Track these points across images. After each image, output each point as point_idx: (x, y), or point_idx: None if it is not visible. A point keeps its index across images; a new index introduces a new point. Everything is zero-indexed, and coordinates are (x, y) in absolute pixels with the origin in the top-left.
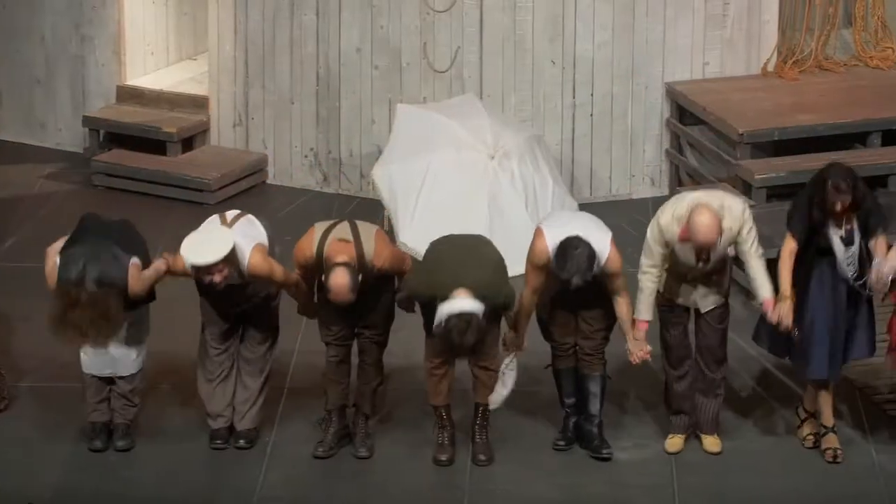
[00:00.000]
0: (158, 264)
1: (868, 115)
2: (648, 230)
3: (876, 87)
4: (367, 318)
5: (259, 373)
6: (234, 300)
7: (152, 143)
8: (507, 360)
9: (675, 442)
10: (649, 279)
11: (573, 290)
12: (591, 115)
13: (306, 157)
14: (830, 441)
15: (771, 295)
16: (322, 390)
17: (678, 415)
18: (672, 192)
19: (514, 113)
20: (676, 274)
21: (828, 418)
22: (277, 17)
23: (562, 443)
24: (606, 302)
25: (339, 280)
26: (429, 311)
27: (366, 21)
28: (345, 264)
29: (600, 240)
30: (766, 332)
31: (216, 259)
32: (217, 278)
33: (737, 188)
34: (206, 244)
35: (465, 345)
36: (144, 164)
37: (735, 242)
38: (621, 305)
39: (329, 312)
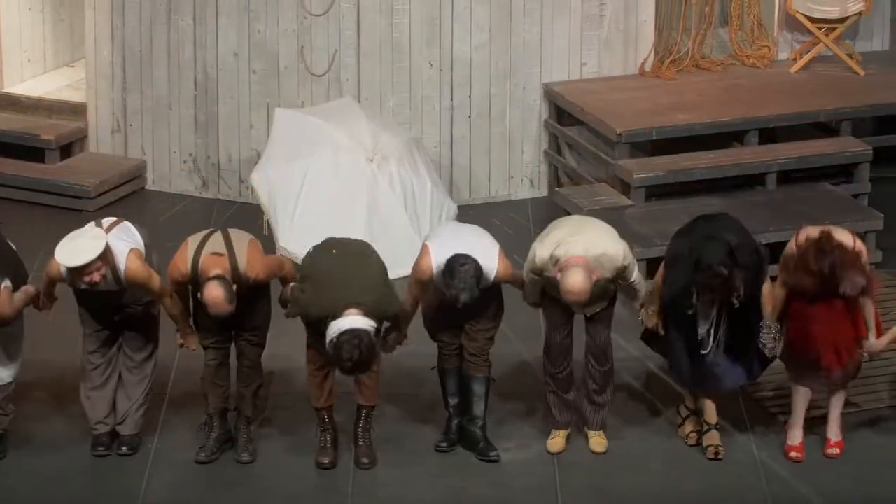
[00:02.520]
0: (28, 288)
1: (745, 113)
2: (530, 252)
3: (753, 86)
4: (244, 322)
5: (141, 380)
6: (113, 308)
7: (30, 151)
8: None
9: (556, 442)
10: (531, 280)
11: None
12: (470, 116)
13: (185, 162)
14: (712, 438)
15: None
16: (203, 395)
17: (557, 411)
18: (551, 193)
19: (392, 115)
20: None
21: (711, 415)
22: (154, 23)
23: (444, 444)
24: (492, 305)
25: (215, 293)
26: (315, 326)
27: (243, 25)
28: (219, 277)
29: (487, 254)
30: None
31: (90, 259)
32: (95, 278)
33: (615, 188)
34: (79, 247)
35: (354, 362)
36: (22, 171)
37: (616, 280)
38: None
39: (206, 317)
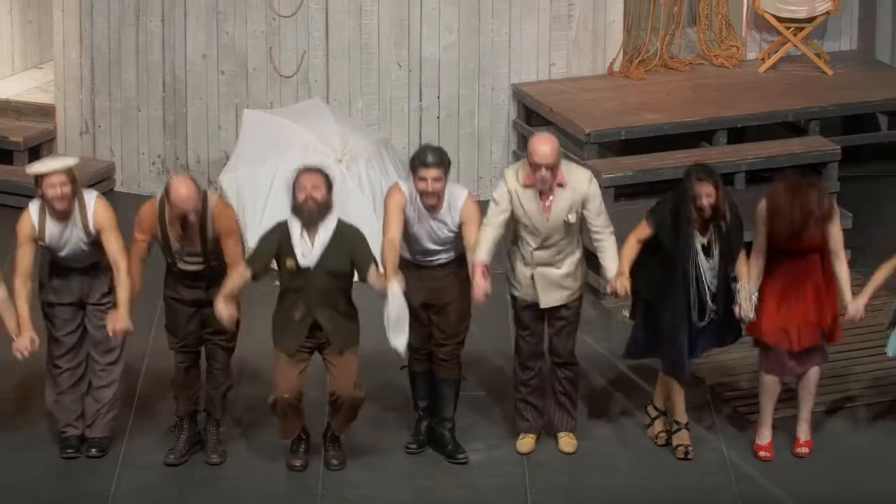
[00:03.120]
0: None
1: (714, 113)
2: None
3: (721, 86)
4: (213, 324)
5: (109, 384)
6: (82, 274)
7: None
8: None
9: (526, 442)
10: (490, 228)
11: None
12: (438, 117)
13: (154, 163)
14: (682, 438)
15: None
16: (173, 397)
17: (527, 417)
18: None
19: (361, 116)
20: (524, 258)
21: (681, 415)
22: (123, 24)
23: (414, 446)
24: (459, 309)
25: (182, 187)
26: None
27: (211, 27)
28: (187, 178)
29: (458, 190)
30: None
31: (61, 167)
32: (61, 191)
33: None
34: (49, 162)
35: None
36: None
37: (584, 215)
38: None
39: (175, 319)
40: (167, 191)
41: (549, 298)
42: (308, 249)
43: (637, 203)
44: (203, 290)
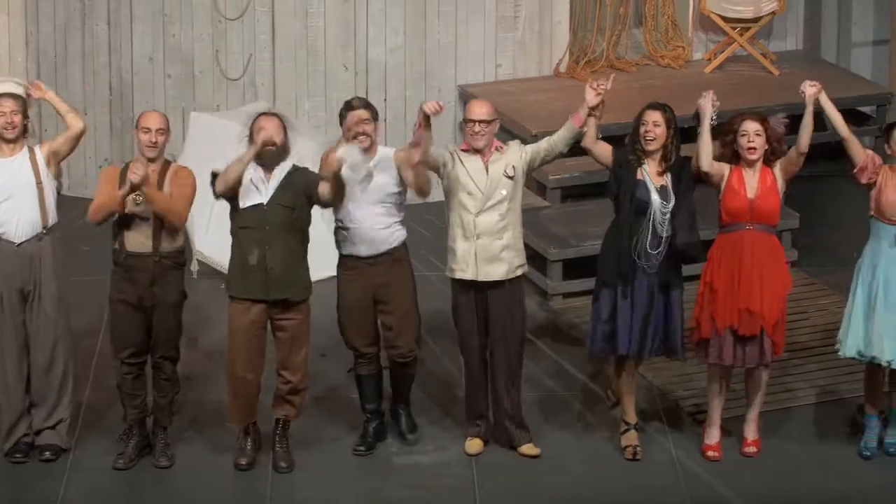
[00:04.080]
0: None
1: None
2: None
3: (667, 86)
4: (159, 334)
5: (57, 387)
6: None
7: None
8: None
9: (474, 444)
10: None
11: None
12: (385, 119)
13: (101, 167)
14: (630, 439)
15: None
16: (120, 404)
17: (477, 419)
18: None
19: (307, 119)
20: (465, 230)
21: (630, 415)
22: (69, 28)
23: (362, 448)
24: (405, 307)
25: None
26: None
27: (157, 30)
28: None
29: (388, 149)
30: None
31: (9, 90)
32: (10, 117)
33: (531, 189)
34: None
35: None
36: None
37: (528, 161)
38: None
39: (121, 325)
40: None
41: (487, 272)
42: (263, 187)
43: (585, 204)
44: (147, 287)
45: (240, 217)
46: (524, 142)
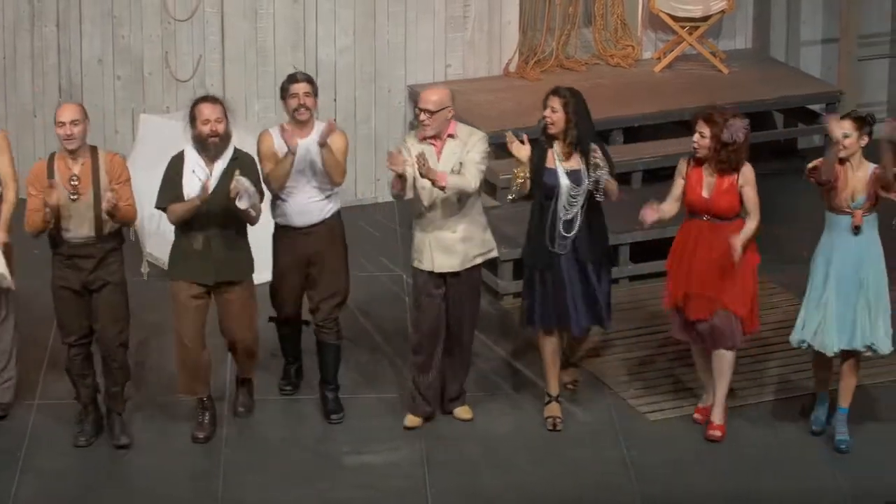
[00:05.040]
0: None
1: (610, 112)
2: None
3: (617, 85)
4: (105, 319)
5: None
6: None
7: None
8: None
9: (413, 419)
10: None
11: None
12: (335, 120)
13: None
14: (552, 410)
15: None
16: (72, 385)
17: (418, 402)
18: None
19: (257, 120)
20: (422, 222)
21: (552, 387)
22: (18, 29)
23: (288, 388)
24: (333, 272)
25: (63, 107)
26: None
27: (107, 31)
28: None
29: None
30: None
31: None
32: None
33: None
34: None
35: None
36: None
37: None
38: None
39: (65, 311)
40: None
41: (442, 263)
42: (206, 177)
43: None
44: (91, 272)
45: None
46: None
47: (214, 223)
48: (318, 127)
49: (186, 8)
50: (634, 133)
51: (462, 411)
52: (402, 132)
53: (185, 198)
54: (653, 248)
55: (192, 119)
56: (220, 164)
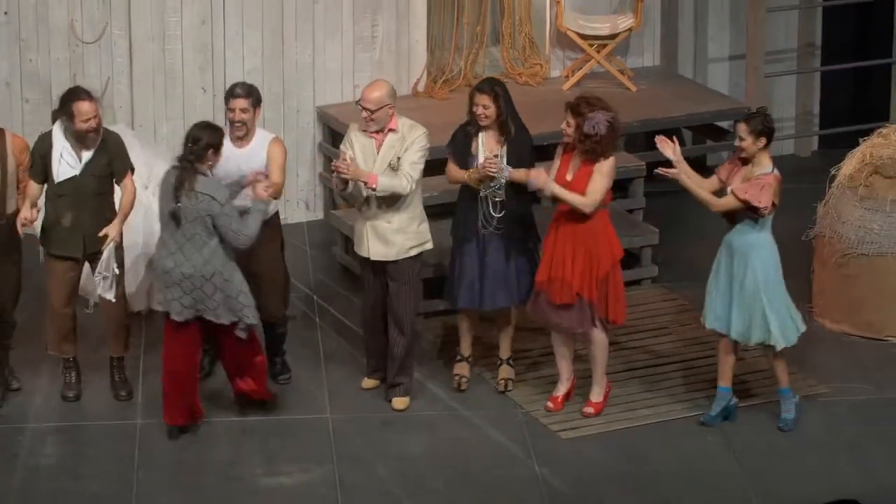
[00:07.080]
0: None
1: None
2: None
3: (526, 104)
4: (4, 297)
5: None
6: None
7: None
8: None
9: (368, 382)
10: None
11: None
12: None
13: None
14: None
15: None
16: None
17: (371, 364)
18: (327, 216)
19: (166, 142)
20: (361, 210)
21: (504, 350)
22: None
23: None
24: (273, 271)
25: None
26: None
27: (14, 55)
28: None
29: (268, 133)
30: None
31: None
32: None
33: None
34: None
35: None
36: None
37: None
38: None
39: None
40: None
41: (378, 251)
42: (75, 159)
43: (443, 223)
44: None
45: (56, 187)
46: None
47: (83, 203)
48: (259, 136)
49: (94, 30)
50: (543, 152)
51: (397, 402)
52: (312, 153)
53: (55, 179)
54: None
55: (70, 115)
56: (90, 148)
